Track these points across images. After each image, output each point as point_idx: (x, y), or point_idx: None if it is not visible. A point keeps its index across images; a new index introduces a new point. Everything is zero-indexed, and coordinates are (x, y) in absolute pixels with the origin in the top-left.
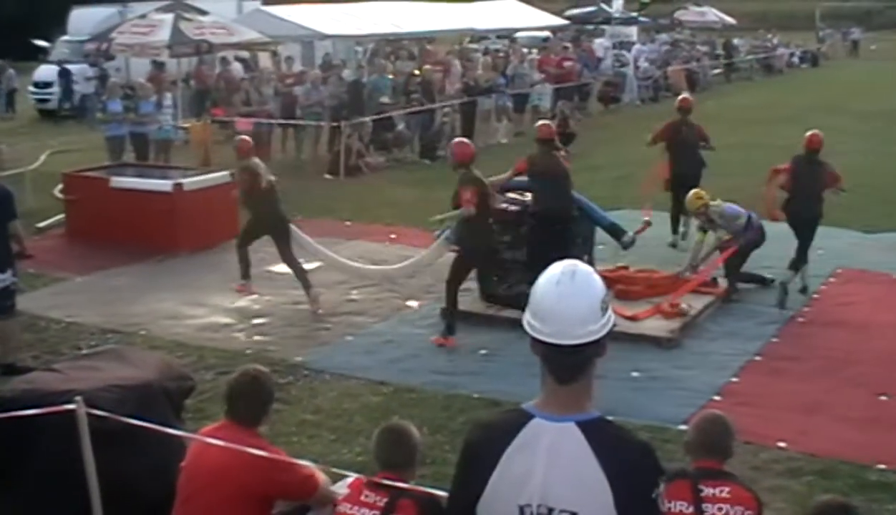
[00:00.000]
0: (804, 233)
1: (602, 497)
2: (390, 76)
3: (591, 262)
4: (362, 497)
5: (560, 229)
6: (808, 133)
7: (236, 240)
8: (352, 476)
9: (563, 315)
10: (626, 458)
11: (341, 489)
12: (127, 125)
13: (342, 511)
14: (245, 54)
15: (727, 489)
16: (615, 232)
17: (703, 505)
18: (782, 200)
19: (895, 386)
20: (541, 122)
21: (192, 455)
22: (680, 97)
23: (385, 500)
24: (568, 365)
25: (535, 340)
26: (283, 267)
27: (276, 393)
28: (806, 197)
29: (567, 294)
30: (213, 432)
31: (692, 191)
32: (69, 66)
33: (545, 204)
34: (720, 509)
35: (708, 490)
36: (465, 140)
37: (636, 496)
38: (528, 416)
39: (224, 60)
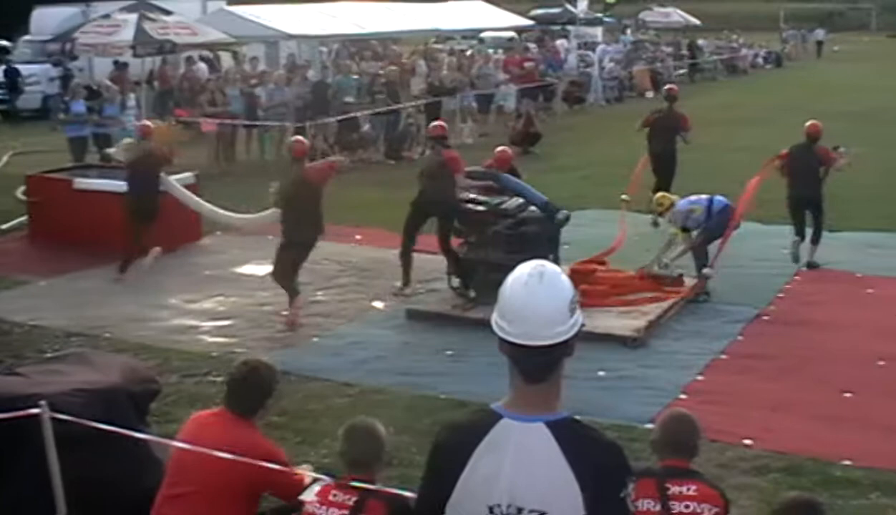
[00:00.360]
0: (814, 214)
1: (571, 497)
2: (355, 76)
3: (556, 262)
4: (330, 497)
5: (441, 217)
6: (808, 122)
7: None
8: (320, 484)
9: (531, 316)
10: (594, 458)
11: (309, 495)
12: (89, 126)
13: (310, 512)
14: (209, 54)
15: (693, 487)
16: (548, 210)
17: (670, 503)
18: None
19: (859, 384)
20: (434, 124)
21: (185, 438)
22: (667, 86)
23: (354, 499)
24: (536, 365)
25: (503, 341)
26: (250, 269)
27: (277, 387)
28: (804, 180)
29: (535, 295)
30: (209, 418)
31: (658, 195)
32: (26, 66)
33: (425, 196)
34: (687, 507)
35: (675, 489)
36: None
37: (605, 495)
38: (496, 416)
39: (190, 60)
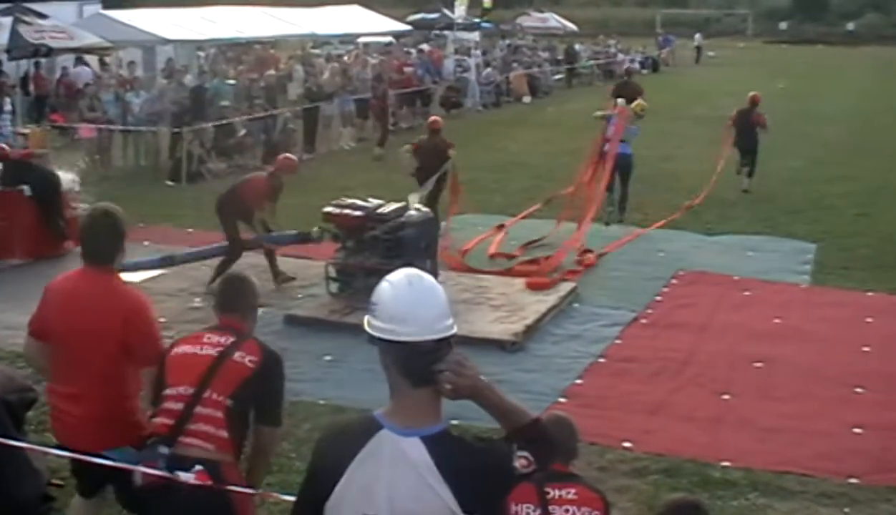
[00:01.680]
0: (750, 156)
1: (448, 510)
2: (232, 82)
3: (434, 267)
4: (205, 339)
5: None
6: (751, 93)
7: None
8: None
9: (423, 312)
10: (470, 471)
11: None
12: None
13: (181, 352)
14: (92, 58)
15: (573, 490)
16: (304, 238)
17: (550, 508)
18: None
19: (737, 386)
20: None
21: (53, 300)
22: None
23: (231, 340)
24: (425, 364)
25: (391, 345)
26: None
27: (128, 230)
28: (746, 133)
29: (421, 292)
30: (69, 282)
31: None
32: None
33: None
34: (567, 511)
35: (554, 493)
36: None
37: (483, 506)
38: (377, 426)
39: (80, 62)
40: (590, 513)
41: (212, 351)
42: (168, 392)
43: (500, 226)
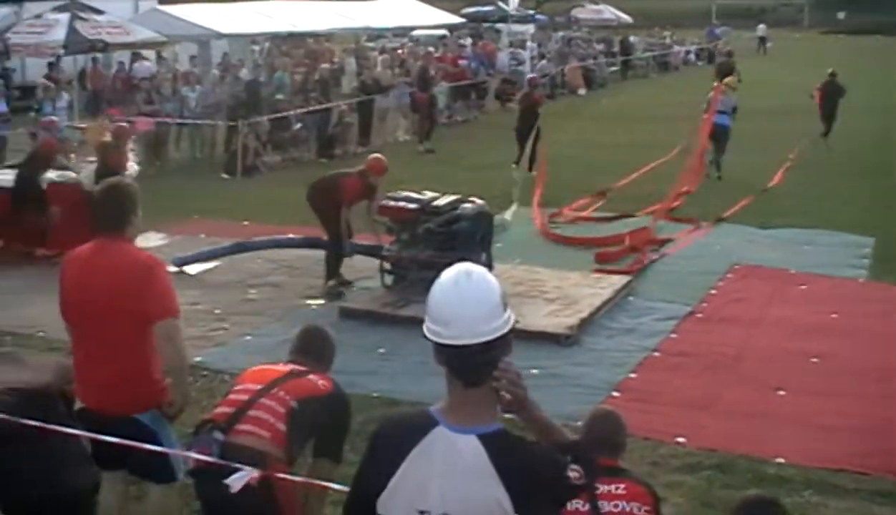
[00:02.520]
0: (829, 122)
1: (502, 510)
2: (288, 75)
3: (489, 261)
4: (281, 364)
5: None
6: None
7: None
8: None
9: (466, 314)
10: (526, 471)
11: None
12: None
13: (255, 368)
14: (149, 53)
15: (622, 485)
16: (375, 251)
17: (599, 503)
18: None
19: (792, 381)
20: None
21: (67, 271)
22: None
23: (307, 368)
24: (475, 365)
25: (440, 346)
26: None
27: (139, 200)
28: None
29: (468, 293)
30: (87, 246)
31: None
32: None
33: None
34: (616, 505)
35: (603, 488)
36: None
37: (537, 508)
38: (433, 422)
39: (137, 57)
40: (639, 508)
41: (287, 369)
42: (234, 388)
43: (602, 193)
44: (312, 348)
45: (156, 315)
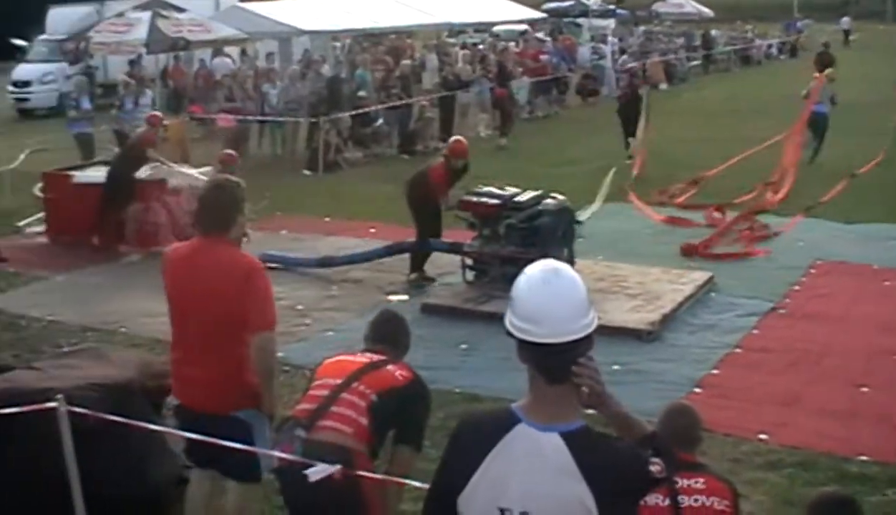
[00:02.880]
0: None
1: (584, 508)
2: (370, 71)
3: (571, 256)
4: (359, 354)
5: None
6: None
7: None
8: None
9: (557, 313)
10: (609, 469)
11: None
12: (109, 123)
13: (333, 359)
14: (232, 50)
15: (702, 480)
16: (457, 249)
17: (679, 497)
18: None
19: (875, 378)
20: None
21: (175, 276)
22: None
23: (385, 358)
24: (562, 363)
25: (525, 344)
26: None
27: (245, 201)
28: None
29: (558, 292)
30: (189, 243)
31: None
32: (42, 65)
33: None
34: (696, 500)
35: (683, 482)
36: None
37: (620, 506)
38: (515, 420)
39: (218, 53)
40: (719, 503)
41: (365, 360)
42: (313, 384)
43: (695, 182)
44: (387, 334)
45: (254, 325)
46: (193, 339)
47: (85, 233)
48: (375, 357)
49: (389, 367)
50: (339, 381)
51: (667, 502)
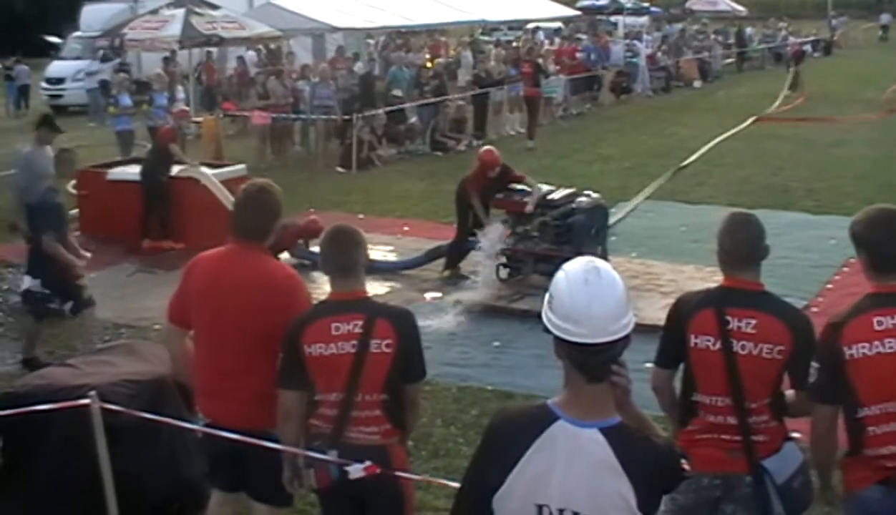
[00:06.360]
0: None
1: (626, 505)
2: (405, 68)
3: (604, 253)
4: (334, 332)
5: None
6: None
7: None
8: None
9: (598, 313)
10: (650, 464)
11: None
12: (142, 119)
13: (318, 355)
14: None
15: (753, 321)
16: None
17: (730, 340)
18: None
19: None
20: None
21: (197, 278)
22: None
23: (359, 324)
24: (601, 362)
25: (564, 342)
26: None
27: (281, 208)
28: None
29: (598, 291)
30: (220, 251)
31: None
32: (75, 62)
33: None
34: (743, 347)
35: (734, 323)
36: None
37: (655, 499)
38: (553, 417)
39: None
40: (772, 349)
41: (348, 348)
42: (318, 398)
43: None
44: (350, 261)
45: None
46: (227, 353)
47: (131, 235)
48: (350, 326)
49: (373, 345)
50: (342, 396)
51: (718, 345)
